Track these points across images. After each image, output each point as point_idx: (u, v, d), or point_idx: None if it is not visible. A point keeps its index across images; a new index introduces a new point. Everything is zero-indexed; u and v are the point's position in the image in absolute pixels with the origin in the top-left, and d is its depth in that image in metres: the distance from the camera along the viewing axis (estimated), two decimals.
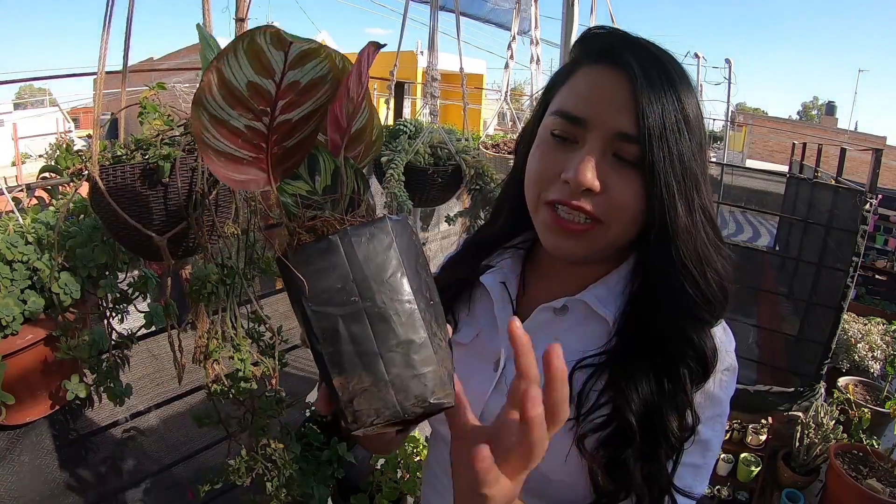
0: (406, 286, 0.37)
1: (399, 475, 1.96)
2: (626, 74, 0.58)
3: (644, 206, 0.60)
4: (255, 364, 1.12)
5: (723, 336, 0.66)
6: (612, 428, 0.60)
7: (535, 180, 0.64)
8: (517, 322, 0.42)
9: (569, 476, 0.61)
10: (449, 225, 2.14)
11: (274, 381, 1.12)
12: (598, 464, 0.60)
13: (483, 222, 1.83)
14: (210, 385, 1.08)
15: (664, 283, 0.61)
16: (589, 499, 0.62)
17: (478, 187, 1.75)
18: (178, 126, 0.95)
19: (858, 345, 3.42)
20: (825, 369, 2.93)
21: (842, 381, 3.14)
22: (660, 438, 0.59)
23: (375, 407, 0.37)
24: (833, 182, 3.45)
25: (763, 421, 3.01)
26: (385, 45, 0.38)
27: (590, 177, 0.58)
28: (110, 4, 0.91)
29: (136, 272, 1.16)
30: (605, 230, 0.61)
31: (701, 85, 13.85)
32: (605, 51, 0.61)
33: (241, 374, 1.07)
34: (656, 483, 0.60)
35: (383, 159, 1.73)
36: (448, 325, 0.59)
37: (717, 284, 0.62)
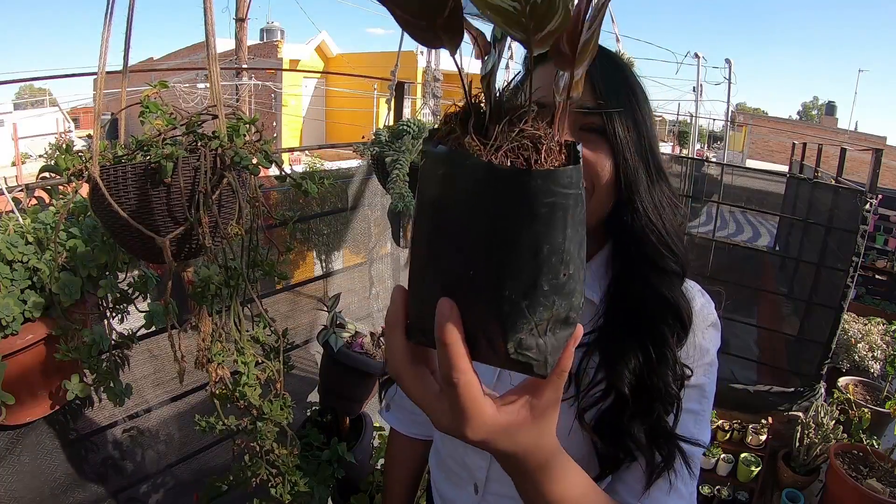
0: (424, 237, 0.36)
1: None
2: None
3: (612, 171, 0.67)
4: (259, 366, 1.11)
5: (702, 299, 0.75)
6: (610, 400, 0.66)
7: None
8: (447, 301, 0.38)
9: (573, 450, 0.64)
10: None
11: (279, 385, 1.12)
12: (600, 434, 0.66)
13: None
14: (213, 389, 1.07)
15: (633, 238, 0.69)
16: (595, 471, 0.66)
17: None
18: (181, 125, 0.95)
19: (858, 345, 3.42)
20: (825, 369, 2.94)
21: (842, 381, 3.15)
22: (656, 397, 0.65)
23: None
24: (833, 182, 3.46)
25: (763, 421, 3.01)
26: None
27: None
28: (110, 4, 0.91)
29: (136, 272, 1.16)
30: (588, 196, 0.65)
31: (701, 85, 13.88)
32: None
33: (245, 377, 1.07)
34: (661, 438, 0.65)
35: (387, 160, 1.73)
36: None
37: (676, 234, 0.70)
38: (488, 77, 0.38)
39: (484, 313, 0.36)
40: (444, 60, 2.09)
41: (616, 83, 0.68)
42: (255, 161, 0.92)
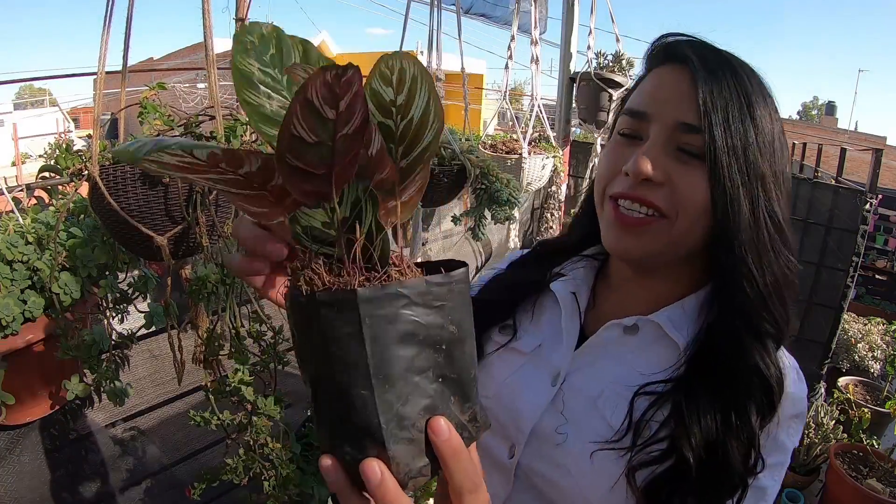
0: (363, 373, 0.33)
1: None
2: (686, 68, 0.59)
3: (708, 202, 0.57)
4: (255, 364, 1.12)
5: (796, 379, 0.62)
6: (669, 464, 0.56)
7: (600, 177, 0.64)
8: (441, 423, 0.36)
9: None
10: (455, 224, 2.14)
11: (273, 381, 1.12)
12: (647, 501, 0.56)
13: (489, 221, 1.84)
14: (209, 385, 1.08)
15: (726, 285, 0.59)
16: None
17: (483, 187, 1.75)
18: (179, 126, 0.95)
19: (858, 345, 3.42)
20: (825, 369, 2.94)
21: (842, 381, 3.14)
22: (721, 478, 0.55)
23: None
24: (833, 182, 3.46)
25: None
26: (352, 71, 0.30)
27: (648, 166, 0.58)
28: (110, 4, 0.91)
29: (136, 272, 1.16)
30: (667, 226, 0.59)
31: None
32: (667, 51, 0.63)
33: (240, 374, 1.07)
34: None
35: None
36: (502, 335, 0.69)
37: (774, 288, 0.58)
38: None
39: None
40: (446, 61, 2.10)
41: (727, 93, 0.57)
42: None
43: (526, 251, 0.82)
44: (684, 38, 0.63)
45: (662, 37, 0.65)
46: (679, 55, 0.60)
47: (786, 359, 0.61)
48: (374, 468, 0.34)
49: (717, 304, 0.61)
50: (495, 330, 0.73)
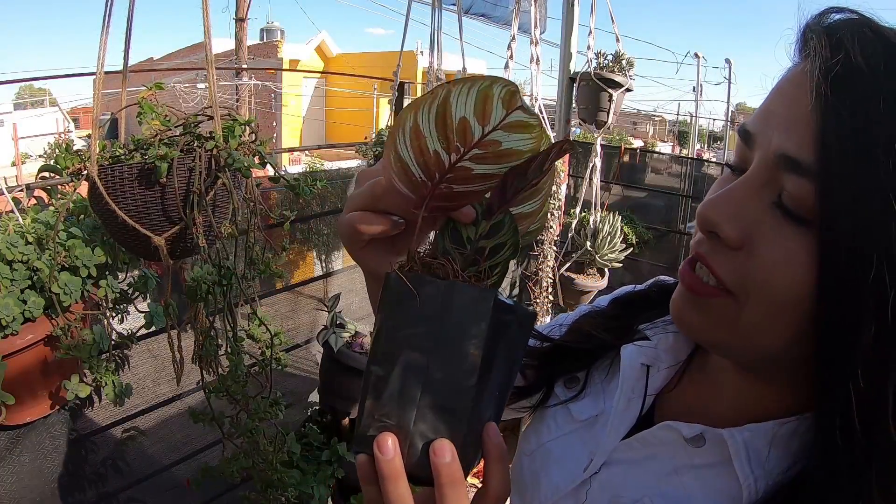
0: (475, 364, 0.36)
1: None
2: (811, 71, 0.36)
3: (804, 289, 0.36)
4: (252, 365, 1.12)
5: None
6: None
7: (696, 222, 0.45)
8: (494, 428, 0.35)
9: None
10: None
11: (269, 381, 1.12)
12: None
13: None
14: (206, 384, 1.08)
15: (838, 419, 0.35)
16: None
17: None
18: (177, 126, 0.95)
19: None
20: None
21: None
22: None
23: None
24: None
25: None
26: (573, 147, 0.37)
27: (714, 213, 0.39)
28: (110, 4, 0.91)
29: (136, 272, 1.16)
30: (734, 308, 0.39)
31: (701, 85, 13.90)
32: (803, 41, 0.40)
33: (233, 374, 1.08)
34: None
35: None
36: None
37: None
38: None
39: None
40: (446, 61, 2.10)
41: (878, 116, 0.33)
42: (246, 164, 0.92)
43: (639, 287, 0.63)
44: (843, 15, 0.38)
45: (818, 15, 0.39)
46: (810, 47, 0.37)
47: None
48: (446, 448, 0.33)
49: (823, 443, 0.37)
50: (561, 382, 0.59)
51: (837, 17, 0.38)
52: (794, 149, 0.36)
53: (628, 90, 2.50)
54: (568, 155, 2.89)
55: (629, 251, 2.88)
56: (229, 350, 1.08)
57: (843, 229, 0.34)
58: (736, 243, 0.38)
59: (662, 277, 0.63)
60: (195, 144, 0.92)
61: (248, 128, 0.96)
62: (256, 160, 0.94)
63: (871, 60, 0.34)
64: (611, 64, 2.51)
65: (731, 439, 0.42)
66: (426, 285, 0.36)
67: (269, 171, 1.02)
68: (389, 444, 0.33)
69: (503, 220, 0.40)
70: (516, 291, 3.28)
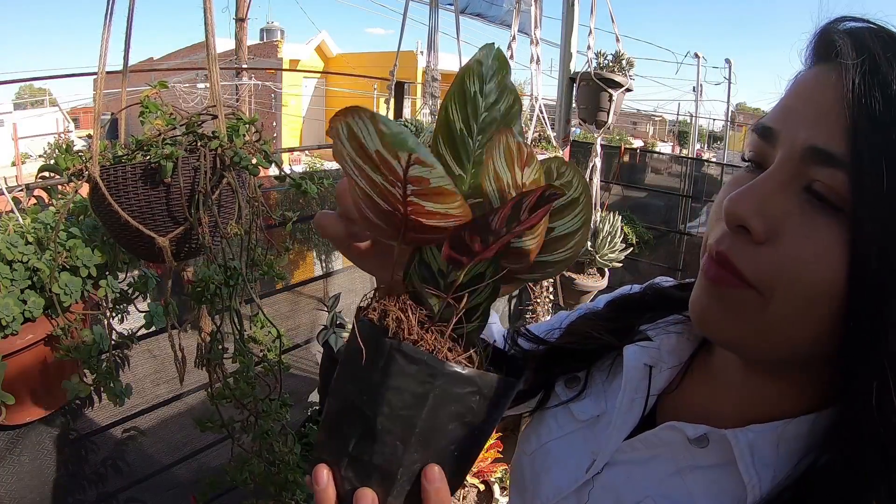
0: (407, 432, 0.35)
1: None
2: (837, 69, 0.38)
3: (835, 281, 0.36)
4: (258, 362, 1.12)
5: None
6: None
7: (709, 221, 0.46)
8: (436, 471, 0.36)
9: None
10: None
11: (277, 384, 1.12)
12: None
13: None
14: (212, 388, 1.08)
15: (862, 424, 0.36)
16: None
17: None
18: (180, 125, 0.95)
19: None
20: None
21: None
22: None
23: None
24: None
25: None
26: (559, 195, 0.32)
27: (741, 207, 0.39)
28: (110, 4, 0.91)
29: (136, 272, 1.16)
30: (760, 303, 0.39)
31: (701, 85, 13.90)
32: (819, 43, 0.42)
33: (244, 376, 1.07)
34: None
35: None
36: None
37: None
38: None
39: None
40: (444, 61, 2.10)
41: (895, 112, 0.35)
42: (254, 161, 0.92)
43: (638, 288, 0.64)
44: (857, 23, 0.40)
45: (829, 23, 0.42)
46: (832, 49, 0.39)
47: None
48: (368, 498, 0.35)
49: (842, 444, 0.37)
50: (561, 382, 0.59)
51: (852, 24, 0.41)
52: (823, 141, 0.37)
53: (628, 90, 2.50)
54: (568, 155, 2.89)
55: (629, 251, 2.88)
56: (237, 351, 1.08)
57: (877, 215, 0.35)
58: (763, 237, 0.39)
59: (659, 279, 0.64)
60: (199, 144, 0.92)
61: (252, 126, 0.96)
62: (254, 161, 0.94)
63: (894, 61, 0.37)
64: (611, 64, 2.51)
65: (735, 440, 0.43)
66: (377, 345, 0.35)
67: (273, 170, 1.02)
68: (324, 476, 0.37)
69: (484, 271, 0.37)
70: (516, 292, 3.28)
